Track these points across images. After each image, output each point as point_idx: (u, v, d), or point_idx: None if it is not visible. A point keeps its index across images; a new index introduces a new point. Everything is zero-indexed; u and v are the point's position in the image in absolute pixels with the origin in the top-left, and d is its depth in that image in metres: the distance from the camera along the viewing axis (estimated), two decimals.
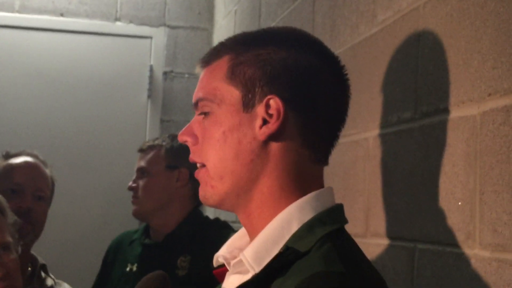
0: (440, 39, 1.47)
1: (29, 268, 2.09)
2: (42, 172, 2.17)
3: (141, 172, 2.46)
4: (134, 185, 2.46)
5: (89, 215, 3.71)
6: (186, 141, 1.16)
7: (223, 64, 1.11)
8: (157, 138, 2.55)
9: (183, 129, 1.16)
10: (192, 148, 1.15)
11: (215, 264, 1.17)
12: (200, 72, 1.17)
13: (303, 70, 1.09)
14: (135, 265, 2.40)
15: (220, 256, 1.16)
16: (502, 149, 1.24)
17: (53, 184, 2.22)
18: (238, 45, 1.12)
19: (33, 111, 3.68)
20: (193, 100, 1.16)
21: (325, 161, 1.14)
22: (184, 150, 2.42)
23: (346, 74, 1.15)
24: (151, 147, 2.48)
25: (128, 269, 2.41)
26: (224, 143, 1.09)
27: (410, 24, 1.60)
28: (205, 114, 1.12)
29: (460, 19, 1.40)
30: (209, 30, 3.92)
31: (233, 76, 1.10)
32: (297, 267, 1.00)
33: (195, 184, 2.42)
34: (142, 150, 2.51)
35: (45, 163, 2.21)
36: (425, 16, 1.54)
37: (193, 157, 1.15)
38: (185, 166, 2.41)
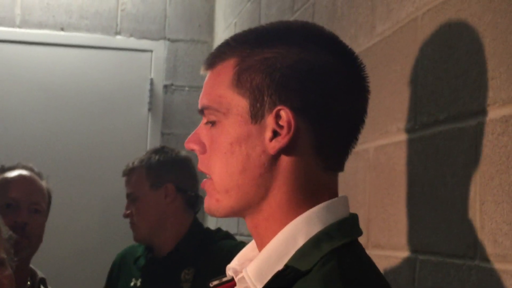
0: (439, 49, 1.47)
1: (28, 282, 2.09)
2: (37, 185, 2.16)
3: (130, 198, 2.44)
4: (128, 212, 2.44)
5: (89, 228, 3.70)
6: (193, 150, 1.08)
7: (228, 68, 1.03)
8: (136, 159, 2.49)
9: (190, 136, 1.09)
10: (200, 157, 1.07)
11: (228, 276, 1.10)
12: (205, 74, 1.08)
13: (315, 73, 1.00)
14: (140, 280, 2.39)
15: (230, 268, 1.09)
16: (502, 159, 1.24)
17: (49, 196, 2.21)
18: (244, 46, 1.03)
19: (34, 125, 3.69)
20: (199, 106, 1.07)
21: (338, 168, 1.06)
22: (163, 165, 2.41)
23: (365, 73, 1.07)
24: (131, 171, 2.45)
25: (132, 283, 2.41)
26: (232, 156, 1.02)
27: (408, 35, 1.61)
28: (212, 122, 1.05)
29: (458, 30, 1.40)
30: (210, 42, 3.93)
31: (239, 83, 1.01)
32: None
33: (184, 194, 2.42)
34: (125, 175, 2.48)
35: (41, 175, 2.21)
36: (423, 27, 1.54)
37: (201, 167, 1.07)
38: (169, 182, 2.38)
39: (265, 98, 1.00)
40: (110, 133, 3.76)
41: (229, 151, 1.02)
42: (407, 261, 1.57)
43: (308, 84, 0.99)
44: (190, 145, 1.08)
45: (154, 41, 3.88)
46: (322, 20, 2.16)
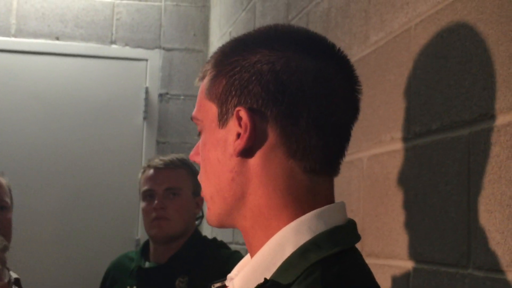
0: (431, 60, 1.48)
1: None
2: None
3: (171, 192, 2.39)
4: (162, 206, 2.38)
5: (84, 235, 3.70)
6: (195, 161, 1.09)
7: (207, 78, 1.04)
8: (172, 156, 2.45)
9: (194, 148, 1.10)
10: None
11: (227, 284, 1.08)
12: (199, 85, 1.09)
13: (277, 73, 0.96)
14: (134, 287, 2.39)
15: (229, 277, 1.05)
16: (494, 168, 1.25)
17: (10, 191, 2.20)
18: (219, 54, 1.04)
19: (29, 134, 3.69)
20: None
21: (327, 171, 1.00)
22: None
23: (348, 70, 1.02)
24: (178, 167, 2.41)
25: None
26: (208, 163, 1.02)
27: (402, 45, 1.62)
28: (200, 132, 1.06)
29: (450, 40, 1.41)
30: (204, 51, 3.94)
31: (211, 91, 1.02)
32: None
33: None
34: (169, 167, 2.42)
35: None
36: (416, 37, 1.55)
37: (199, 177, 1.09)
38: (199, 195, 2.41)
39: (229, 101, 0.99)
40: (106, 142, 3.77)
41: (207, 158, 1.03)
42: (401, 270, 1.57)
43: (267, 84, 0.96)
44: (193, 157, 1.10)
45: (149, 50, 3.89)
46: (316, 30, 2.16)
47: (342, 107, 1.00)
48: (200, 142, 1.06)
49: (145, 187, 2.43)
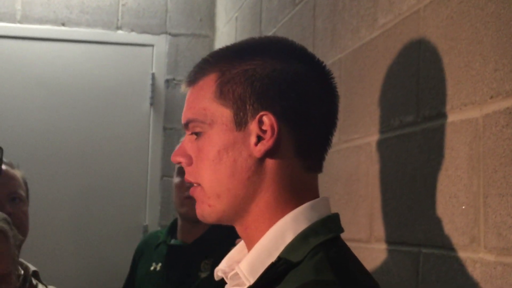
0: (441, 42, 1.46)
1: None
2: (11, 175, 2.14)
3: None
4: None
5: (91, 223, 3.70)
6: (180, 162, 1.14)
7: (210, 83, 1.10)
8: None
9: (176, 149, 1.15)
10: (186, 169, 1.14)
11: (216, 278, 1.18)
12: (186, 91, 1.15)
13: (291, 80, 1.08)
14: (160, 264, 2.43)
15: (219, 270, 1.17)
16: (506, 151, 1.23)
17: (26, 183, 2.19)
18: (223, 61, 1.10)
19: (35, 121, 3.68)
20: (183, 121, 1.15)
21: (318, 169, 1.13)
22: None
23: (333, 79, 1.14)
24: None
25: (152, 268, 2.45)
26: (220, 163, 1.08)
27: (410, 27, 1.59)
28: (197, 134, 1.12)
29: (460, 21, 1.39)
30: (211, 37, 3.92)
31: (222, 95, 1.09)
32: (290, 277, 1.01)
33: None
34: None
35: (12, 165, 2.18)
36: (425, 19, 1.53)
37: (188, 177, 1.14)
38: None
39: (248, 106, 1.07)
40: (112, 128, 3.76)
41: (217, 158, 1.09)
42: (410, 255, 1.56)
43: (285, 91, 1.07)
44: (177, 158, 1.15)
45: (155, 35, 3.87)
46: (323, 13, 2.15)
47: (334, 113, 1.14)
48: (197, 143, 1.11)
49: None
